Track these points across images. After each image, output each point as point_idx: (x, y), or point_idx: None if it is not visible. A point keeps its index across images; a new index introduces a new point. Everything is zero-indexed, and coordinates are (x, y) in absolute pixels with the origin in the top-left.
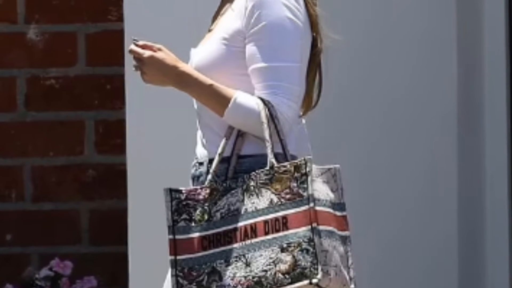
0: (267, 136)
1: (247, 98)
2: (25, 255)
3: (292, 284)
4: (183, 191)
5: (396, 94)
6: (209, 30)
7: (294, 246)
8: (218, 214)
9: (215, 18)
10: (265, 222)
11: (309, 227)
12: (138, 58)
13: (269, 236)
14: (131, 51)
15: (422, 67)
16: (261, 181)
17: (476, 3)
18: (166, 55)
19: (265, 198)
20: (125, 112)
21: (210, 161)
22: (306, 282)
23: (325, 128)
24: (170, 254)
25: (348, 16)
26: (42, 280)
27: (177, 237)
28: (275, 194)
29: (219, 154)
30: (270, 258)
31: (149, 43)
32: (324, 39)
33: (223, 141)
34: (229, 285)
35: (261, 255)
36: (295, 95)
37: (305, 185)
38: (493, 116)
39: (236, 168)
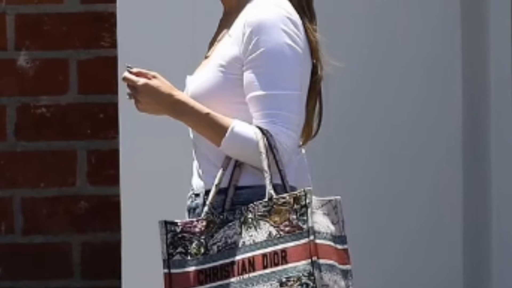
0: (265, 167)
1: (244, 127)
2: None
3: None
4: (179, 224)
5: (398, 123)
6: (206, 57)
7: (293, 281)
8: (215, 247)
9: (211, 44)
10: (264, 255)
11: (309, 260)
12: (132, 85)
13: (268, 270)
14: (124, 79)
15: (425, 95)
16: (259, 213)
17: (482, 30)
18: (161, 83)
19: (264, 230)
20: (118, 141)
21: (207, 192)
22: None
23: (325, 158)
24: None
25: (349, 43)
26: None
27: (173, 271)
28: (274, 227)
29: (216, 185)
30: None
31: (143, 70)
32: (324, 66)
33: (220, 171)
34: None
35: None
36: (295, 124)
37: (305, 217)
38: (499, 145)
39: (234, 200)
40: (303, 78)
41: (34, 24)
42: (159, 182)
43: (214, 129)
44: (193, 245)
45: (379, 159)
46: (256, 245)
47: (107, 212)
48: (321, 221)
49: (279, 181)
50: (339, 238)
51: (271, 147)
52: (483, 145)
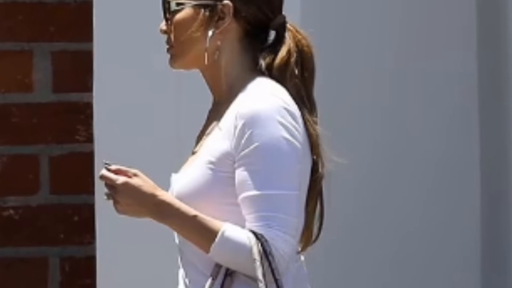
0: (260, 276)
1: (236, 232)
2: None
3: None
4: None
5: (410, 227)
6: (193, 153)
7: None
8: None
9: (199, 138)
10: None
11: None
12: (110, 185)
13: None
14: (102, 177)
15: (440, 195)
16: None
17: (502, 125)
18: (143, 182)
19: None
20: (95, 247)
21: None
22: None
23: (326, 266)
24: None
25: (353, 137)
26: None
27: None
28: None
29: None
30: None
31: (123, 168)
32: (326, 163)
33: (209, 281)
34: None
35: None
36: (293, 228)
37: None
38: None
39: None
40: (302, 176)
41: (0, 115)
42: None
43: (202, 234)
44: None
45: (387, 268)
46: None
47: None
48: None
49: None
50: None
51: (266, 253)
52: (503, 254)
